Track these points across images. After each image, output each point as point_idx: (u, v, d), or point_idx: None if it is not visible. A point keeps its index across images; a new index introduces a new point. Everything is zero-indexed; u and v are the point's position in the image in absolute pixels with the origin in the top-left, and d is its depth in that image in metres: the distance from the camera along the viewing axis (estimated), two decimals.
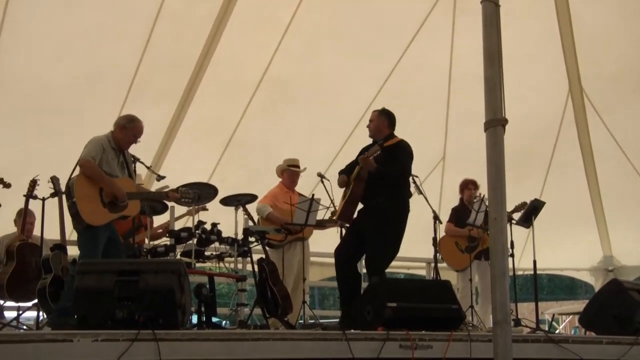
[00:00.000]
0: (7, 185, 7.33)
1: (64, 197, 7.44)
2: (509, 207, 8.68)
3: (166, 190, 7.52)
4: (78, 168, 7.07)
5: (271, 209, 8.90)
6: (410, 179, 7.99)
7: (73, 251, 7.82)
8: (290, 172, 9.32)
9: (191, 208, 7.86)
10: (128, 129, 7.33)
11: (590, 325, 7.87)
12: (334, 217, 8.39)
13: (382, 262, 7.52)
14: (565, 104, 12.91)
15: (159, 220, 8.88)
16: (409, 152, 7.66)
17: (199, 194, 7.61)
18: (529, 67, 11.75)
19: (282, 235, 8.71)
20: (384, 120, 7.82)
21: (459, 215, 10.02)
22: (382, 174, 7.53)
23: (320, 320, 9.61)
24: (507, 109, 4.96)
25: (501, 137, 4.92)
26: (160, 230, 8.50)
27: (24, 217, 8.13)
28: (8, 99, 10.41)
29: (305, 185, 9.85)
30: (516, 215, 9.19)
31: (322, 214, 8.91)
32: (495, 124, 4.91)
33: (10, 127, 10.64)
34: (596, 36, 11.84)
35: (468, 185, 10.09)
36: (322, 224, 9.06)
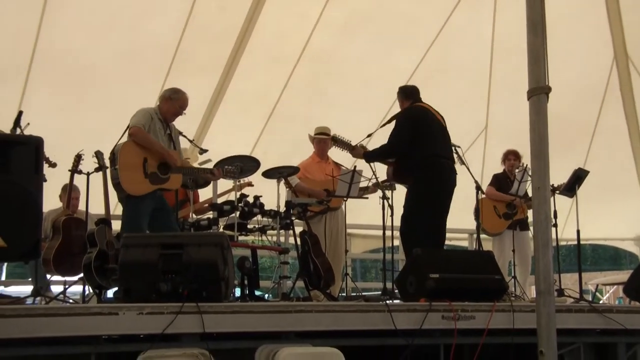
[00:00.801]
0: (52, 165, 7.39)
1: (108, 171, 7.53)
2: (552, 178, 8.63)
3: (210, 167, 7.58)
4: (126, 136, 7.17)
5: (298, 180, 8.89)
6: (453, 148, 7.97)
7: (118, 225, 7.91)
8: (318, 140, 9.31)
9: (235, 184, 7.89)
10: (174, 100, 7.45)
11: (635, 295, 7.79)
12: None
13: (412, 238, 7.45)
14: (610, 71, 12.74)
15: (203, 194, 8.94)
16: (402, 119, 7.68)
17: (241, 166, 7.65)
18: (572, 34, 11.61)
19: (323, 207, 8.71)
20: (399, 97, 7.98)
21: (500, 182, 10.00)
22: (373, 157, 7.82)
23: (363, 293, 9.64)
24: (550, 77, 4.90)
25: (544, 106, 4.86)
26: (207, 205, 8.55)
27: (69, 192, 8.22)
28: (53, 75, 10.53)
29: (347, 157, 9.84)
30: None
31: (363, 185, 8.87)
32: (539, 92, 4.85)
33: (55, 102, 10.76)
34: None
35: (508, 156, 10.07)
36: (361, 194, 9.02)
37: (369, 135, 7.93)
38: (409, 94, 7.91)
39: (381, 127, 7.98)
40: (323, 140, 9.25)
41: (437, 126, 7.65)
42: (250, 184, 8.48)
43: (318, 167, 9.15)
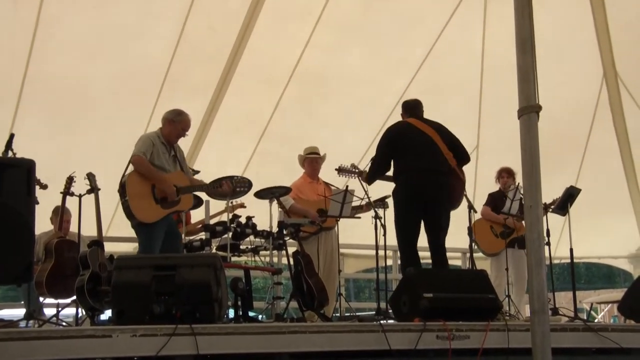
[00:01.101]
0: (43, 187, 7.40)
1: (99, 193, 7.54)
2: (544, 196, 8.66)
3: (220, 179, 7.58)
4: (131, 165, 7.18)
5: (293, 201, 8.89)
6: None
7: (110, 247, 7.88)
8: (310, 160, 9.30)
9: (228, 205, 7.88)
10: (176, 122, 7.48)
11: (630, 313, 7.77)
12: None
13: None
14: (600, 89, 12.79)
15: (195, 216, 8.93)
16: (382, 137, 7.89)
17: (234, 187, 7.64)
18: (562, 52, 11.66)
19: (316, 228, 8.71)
20: (402, 111, 8.15)
21: (496, 201, 10.02)
22: (370, 178, 7.96)
23: (357, 313, 9.61)
24: (540, 95, 4.91)
25: (535, 124, 4.86)
26: (199, 226, 8.54)
27: (61, 215, 8.20)
28: (43, 97, 10.53)
29: (339, 177, 9.84)
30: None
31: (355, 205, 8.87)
32: (529, 111, 4.85)
33: (46, 124, 10.77)
34: (630, 18, 11.70)
35: (502, 174, 10.11)
36: (354, 214, 9.04)
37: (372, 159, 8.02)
38: (407, 108, 8.08)
39: None
40: (315, 159, 9.25)
41: (419, 139, 7.70)
42: (242, 206, 8.49)
43: (310, 188, 9.15)
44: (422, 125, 7.79)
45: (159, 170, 7.23)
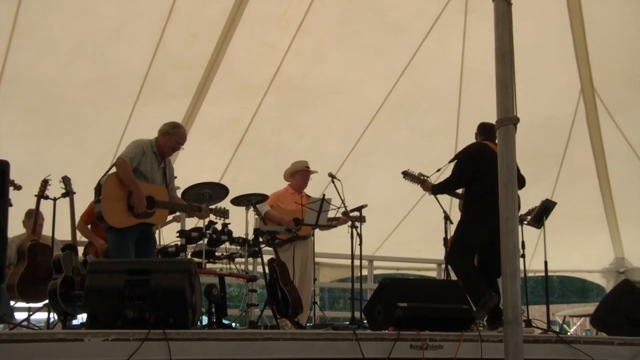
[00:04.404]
0: (17, 188, 7.33)
1: (75, 197, 7.48)
2: (520, 209, 8.71)
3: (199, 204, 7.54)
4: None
5: (269, 208, 8.87)
6: (422, 178, 8.12)
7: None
8: (303, 172, 9.29)
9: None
10: (171, 134, 7.40)
11: (602, 326, 7.83)
12: None
13: (456, 263, 7.83)
14: (577, 104, 12.86)
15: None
16: (462, 155, 7.95)
17: (210, 193, 7.61)
18: (540, 67, 11.73)
19: (292, 235, 8.70)
20: (476, 132, 8.26)
21: None
22: (439, 190, 8.13)
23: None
24: (518, 110, 4.94)
25: (513, 136, 4.89)
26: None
27: (35, 218, 8.13)
28: (20, 100, 10.45)
29: (316, 186, 9.82)
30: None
31: (332, 214, 8.87)
32: (507, 122, 4.88)
33: (22, 127, 10.67)
34: (608, 35, 11.79)
35: None
36: (330, 224, 9.04)
37: (438, 170, 8.10)
38: (484, 130, 8.11)
39: (449, 162, 8.04)
40: (308, 173, 9.25)
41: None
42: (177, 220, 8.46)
43: (291, 198, 9.13)
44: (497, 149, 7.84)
45: (140, 178, 7.10)
